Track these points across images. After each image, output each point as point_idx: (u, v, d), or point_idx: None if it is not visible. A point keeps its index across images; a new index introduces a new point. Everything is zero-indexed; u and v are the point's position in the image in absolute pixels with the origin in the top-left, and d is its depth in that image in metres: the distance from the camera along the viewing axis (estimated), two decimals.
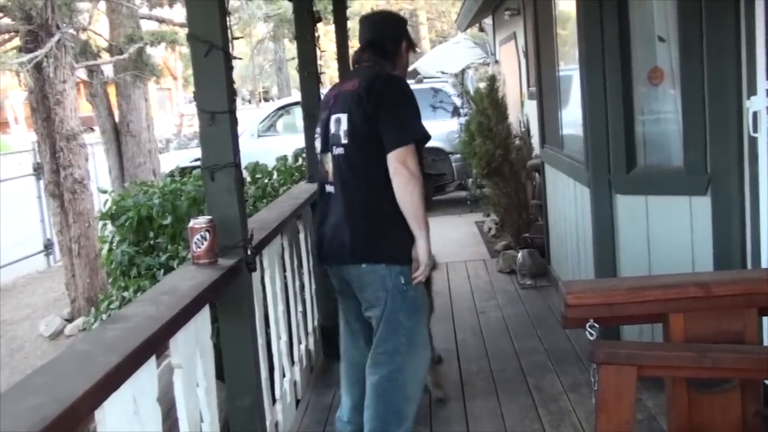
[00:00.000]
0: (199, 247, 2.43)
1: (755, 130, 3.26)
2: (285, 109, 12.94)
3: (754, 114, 3.26)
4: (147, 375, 1.80)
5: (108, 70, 11.60)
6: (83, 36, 11.10)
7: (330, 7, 6.72)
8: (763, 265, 3.28)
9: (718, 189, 3.62)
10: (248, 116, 13.61)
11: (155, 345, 1.86)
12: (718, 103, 3.55)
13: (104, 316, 4.62)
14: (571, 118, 5.00)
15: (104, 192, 5.37)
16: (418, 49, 3.06)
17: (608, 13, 3.94)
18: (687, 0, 3.65)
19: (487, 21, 13.80)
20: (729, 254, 3.58)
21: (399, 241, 2.89)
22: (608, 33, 3.95)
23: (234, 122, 2.60)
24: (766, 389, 3.11)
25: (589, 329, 2.29)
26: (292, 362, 3.62)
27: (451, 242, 8.05)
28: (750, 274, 2.97)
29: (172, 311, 2.00)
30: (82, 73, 11.15)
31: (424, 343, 3.06)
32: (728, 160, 3.54)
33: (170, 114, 32.36)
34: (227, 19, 2.64)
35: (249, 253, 2.60)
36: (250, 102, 39.26)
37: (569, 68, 5.04)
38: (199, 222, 2.44)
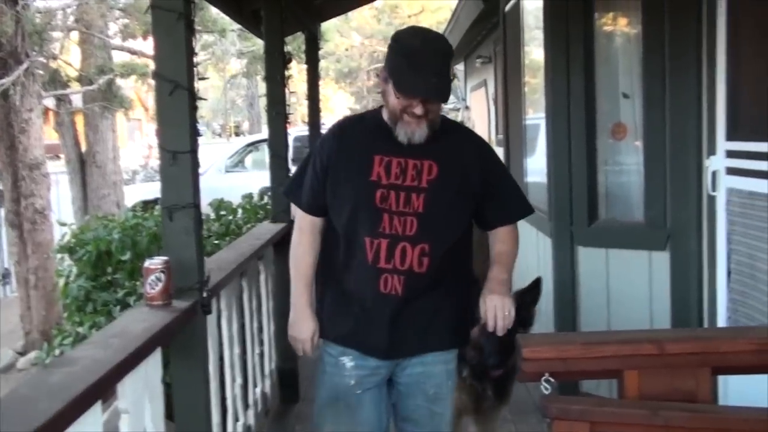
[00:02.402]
0: (153, 289, 2.39)
1: (714, 189, 3.32)
2: (254, 145, 12.93)
3: (713, 173, 3.32)
4: (91, 421, 1.75)
5: (77, 100, 11.55)
6: (53, 65, 11.06)
7: (303, 47, 6.77)
8: (719, 323, 3.32)
9: (677, 245, 3.66)
10: (217, 151, 13.58)
11: (101, 390, 1.81)
12: (679, 160, 3.61)
13: (57, 352, 4.51)
14: (536, 166, 5.06)
15: (64, 224, 5.29)
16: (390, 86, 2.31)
17: (575, 68, 4.01)
18: (651, 57, 3.73)
19: (459, 67, 13.99)
20: (686, 310, 3.61)
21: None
22: (574, 87, 4.02)
23: (195, 162, 2.58)
24: None
25: (544, 383, 2.28)
26: (246, 406, 3.56)
27: None
28: (704, 333, 2.99)
29: (121, 355, 1.96)
30: (50, 102, 11.08)
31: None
32: (687, 217, 3.60)
33: (139, 144, 32.18)
34: (193, 58, 2.63)
35: (204, 295, 2.56)
36: (220, 136, 39.21)
37: (536, 117, 5.10)
38: (154, 263, 2.40)
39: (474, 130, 10.24)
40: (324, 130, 2.78)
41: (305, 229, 2.51)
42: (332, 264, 2.48)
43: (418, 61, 2.24)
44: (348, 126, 2.55)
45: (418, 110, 2.26)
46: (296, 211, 2.56)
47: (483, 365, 2.82)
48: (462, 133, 2.54)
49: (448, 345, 2.51)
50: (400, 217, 2.33)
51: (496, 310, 2.42)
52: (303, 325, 2.51)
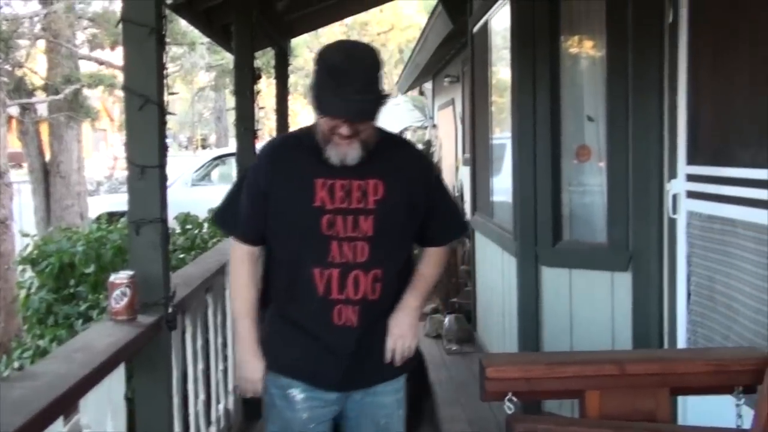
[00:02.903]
0: (119, 303, 2.38)
1: (674, 212, 3.38)
2: (221, 159, 12.89)
3: (674, 196, 3.38)
4: None
5: (42, 109, 11.43)
6: (19, 73, 10.94)
7: (273, 61, 6.79)
8: (679, 345, 3.37)
9: (638, 266, 3.72)
10: (184, 164, 13.50)
11: (64, 405, 1.81)
12: (641, 183, 3.67)
13: (16, 365, 4.46)
14: (502, 186, 5.11)
15: (26, 235, 5.24)
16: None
17: (541, 89, 4.07)
18: (615, 80, 3.79)
19: (428, 85, 14.09)
20: (647, 331, 3.67)
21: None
22: (540, 108, 4.08)
23: (164, 177, 2.59)
24: None
25: (507, 403, 2.31)
26: (209, 422, 3.54)
27: None
28: (663, 354, 3.05)
29: (85, 370, 1.95)
30: (14, 110, 10.95)
31: None
32: (649, 239, 3.65)
33: (104, 155, 31.85)
34: (164, 73, 2.64)
35: (170, 311, 2.55)
36: (187, 148, 38.92)
37: (503, 137, 5.16)
38: (119, 277, 2.40)
39: (441, 148, 10.23)
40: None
41: (244, 259, 2.32)
42: (273, 292, 2.33)
43: (339, 79, 2.07)
44: (281, 147, 2.38)
45: (344, 130, 2.11)
46: (231, 241, 2.39)
47: None
48: (405, 148, 2.45)
49: (399, 372, 2.38)
50: (350, 242, 2.18)
51: (396, 341, 2.30)
52: (255, 365, 2.29)
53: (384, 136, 2.31)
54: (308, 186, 2.18)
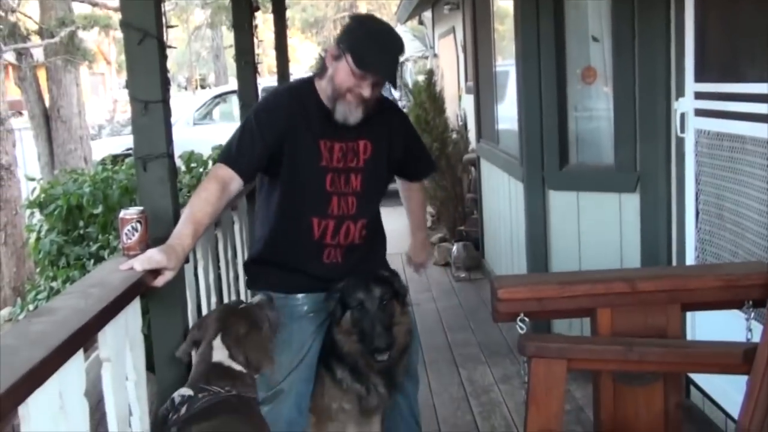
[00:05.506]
0: (130, 239, 2.38)
1: (683, 130, 3.35)
2: (222, 97, 12.79)
3: (682, 115, 3.35)
4: (74, 370, 1.76)
5: (38, 54, 11.30)
6: (12, 18, 10.78)
7: None
8: (688, 262, 3.39)
9: (646, 187, 3.72)
10: (184, 103, 13.42)
11: (83, 339, 1.82)
12: (648, 103, 3.64)
13: (31, 307, 4.50)
14: (507, 113, 5.07)
15: (32, 179, 5.23)
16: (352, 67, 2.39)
17: (544, 12, 4.01)
18: (620, 1, 3.73)
19: (427, 14, 13.85)
20: (656, 251, 3.68)
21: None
22: (544, 31, 4.02)
23: (168, 112, 2.56)
24: (686, 382, 3.22)
25: (519, 323, 2.33)
26: None
27: (388, 234, 8.06)
28: (673, 271, 3.06)
29: (102, 304, 1.96)
30: (10, 56, 10.83)
31: None
32: (657, 159, 3.64)
33: (103, 99, 31.64)
34: (162, 6, 2.59)
35: None
36: (186, 89, 38.62)
37: (506, 64, 5.10)
38: (130, 213, 2.39)
39: (443, 78, 10.11)
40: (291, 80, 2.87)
41: (223, 179, 2.47)
42: (270, 236, 2.63)
43: (383, 45, 2.41)
44: (295, 101, 2.54)
45: (367, 92, 2.39)
46: (220, 166, 2.51)
47: (369, 352, 2.54)
48: (388, 108, 2.70)
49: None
50: (344, 197, 2.52)
51: (418, 269, 3.07)
52: (166, 252, 2.25)
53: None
54: (315, 145, 2.48)
